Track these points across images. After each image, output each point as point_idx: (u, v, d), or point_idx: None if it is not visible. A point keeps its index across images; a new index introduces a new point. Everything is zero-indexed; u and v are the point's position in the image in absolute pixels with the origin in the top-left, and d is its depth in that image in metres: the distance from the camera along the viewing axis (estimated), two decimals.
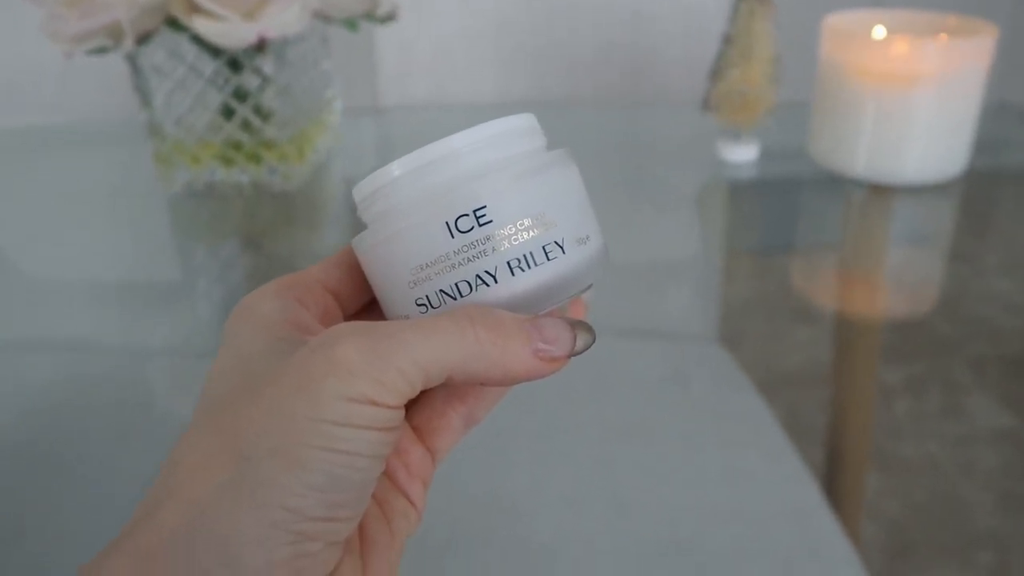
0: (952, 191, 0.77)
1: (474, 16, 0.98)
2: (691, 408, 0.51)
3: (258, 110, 0.71)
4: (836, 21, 0.77)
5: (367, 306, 0.28)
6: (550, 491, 0.44)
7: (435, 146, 0.24)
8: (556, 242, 0.24)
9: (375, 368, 0.21)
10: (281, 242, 0.72)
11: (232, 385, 0.23)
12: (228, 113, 0.71)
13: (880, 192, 0.76)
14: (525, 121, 0.26)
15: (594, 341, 0.25)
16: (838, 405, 0.53)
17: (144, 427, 0.49)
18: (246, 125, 0.72)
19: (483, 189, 0.24)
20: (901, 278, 0.69)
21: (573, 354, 0.24)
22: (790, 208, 0.79)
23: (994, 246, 0.72)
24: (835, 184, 0.78)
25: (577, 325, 0.24)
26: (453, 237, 0.24)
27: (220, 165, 0.74)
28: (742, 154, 0.81)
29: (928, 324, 0.60)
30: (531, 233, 0.24)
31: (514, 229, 0.24)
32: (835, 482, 0.46)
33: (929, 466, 0.47)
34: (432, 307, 0.24)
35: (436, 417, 0.27)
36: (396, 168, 0.24)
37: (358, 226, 0.26)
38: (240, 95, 0.71)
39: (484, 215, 0.23)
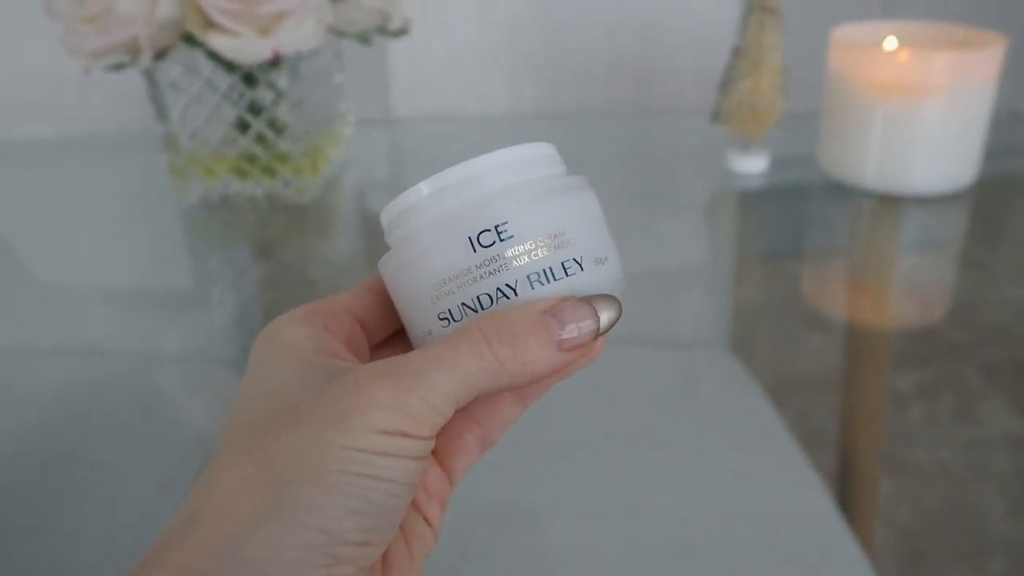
0: (962, 201, 0.77)
1: (485, 29, 0.99)
2: (702, 414, 0.51)
3: (272, 124, 0.72)
4: (845, 33, 0.78)
5: (393, 336, 0.29)
6: (564, 498, 0.44)
7: (459, 168, 0.25)
8: (575, 259, 0.25)
9: (406, 404, 0.22)
10: (294, 254, 0.73)
11: (264, 411, 0.23)
12: (243, 127, 0.72)
13: (890, 202, 0.76)
14: (546, 149, 0.27)
15: (620, 314, 0.25)
16: (849, 411, 0.53)
17: (157, 432, 0.50)
18: (261, 139, 0.73)
19: (505, 206, 0.24)
20: (912, 286, 0.69)
21: (601, 333, 0.24)
22: (800, 219, 0.79)
23: (1005, 254, 0.72)
24: (845, 194, 0.78)
25: (597, 300, 0.25)
26: (475, 251, 0.24)
27: (235, 178, 0.75)
28: (752, 165, 0.81)
29: (940, 330, 0.60)
30: (550, 250, 0.25)
31: (534, 245, 0.24)
32: (847, 488, 0.46)
33: (941, 472, 0.47)
34: (454, 320, 0.25)
35: (452, 440, 0.28)
36: (424, 188, 0.25)
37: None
38: (255, 109, 0.72)
39: (506, 231, 0.24)
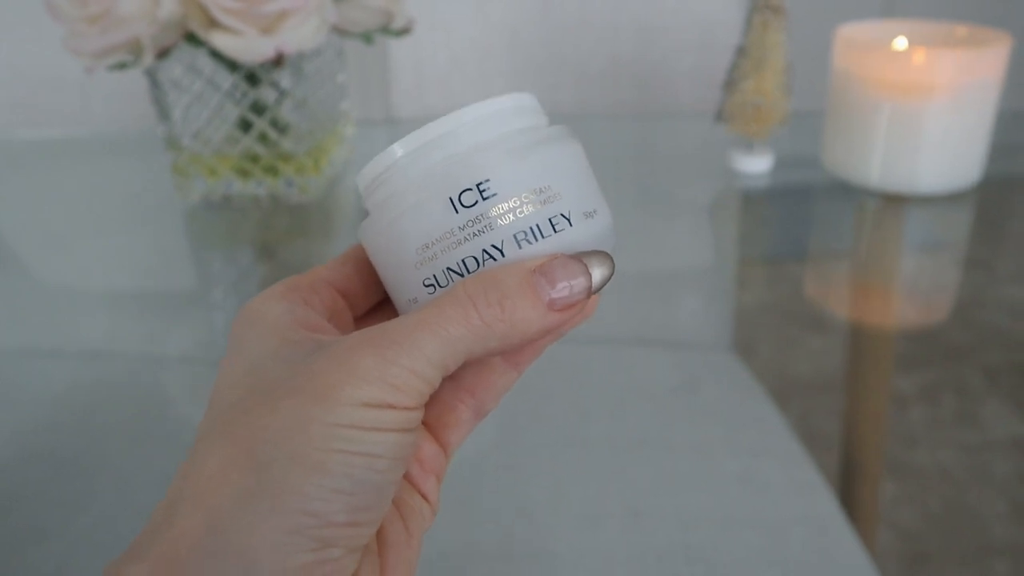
0: (967, 201, 0.77)
1: (486, 29, 0.99)
2: (705, 416, 0.51)
3: (275, 123, 0.72)
4: (849, 32, 0.77)
5: (377, 305, 0.28)
6: (566, 500, 0.44)
7: (435, 124, 0.24)
8: (563, 214, 0.24)
9: (390, 374, 0.21)
10: (297, 253, 0.73)
11: (243, 391, 0.23)
12: (245, 126, 0.72)
13: (894, 202, 0.76)
14: (525, 99, 0.26)
15: (613, 271, 0.24)
16: (852, 413, 0.53)
17: (161, 432, 0.50)
18: (263, 138, 0.73)
19: (485, 163, 0.23)
20: (915, 286, 0.69)
21: (593, 291, 0.23)
22: (803, 218, 0.79)
23: (1009, 254, 0.72)
24: (849, 194, 0.78)
25: (588, 257, 0.24)
26: (457, 212, 0.23)
27: (237, 177, 0.75)
28: (755, 165, 0.81)
29: (943, 332, 0.60)
30: (536, 206, 0.24)
31: (518, 202, 0.23)
32: (850, 490, 0.46)
33: (944, 474, 0.47)
34: (440, 286, 0.24)
35: (446, 412, 0.27)
36: (398, 149, 0.24)
37: None
38: (257, 108, 0.72)
39: (487, 189, 0.23)
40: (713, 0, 0.99)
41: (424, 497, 0.26)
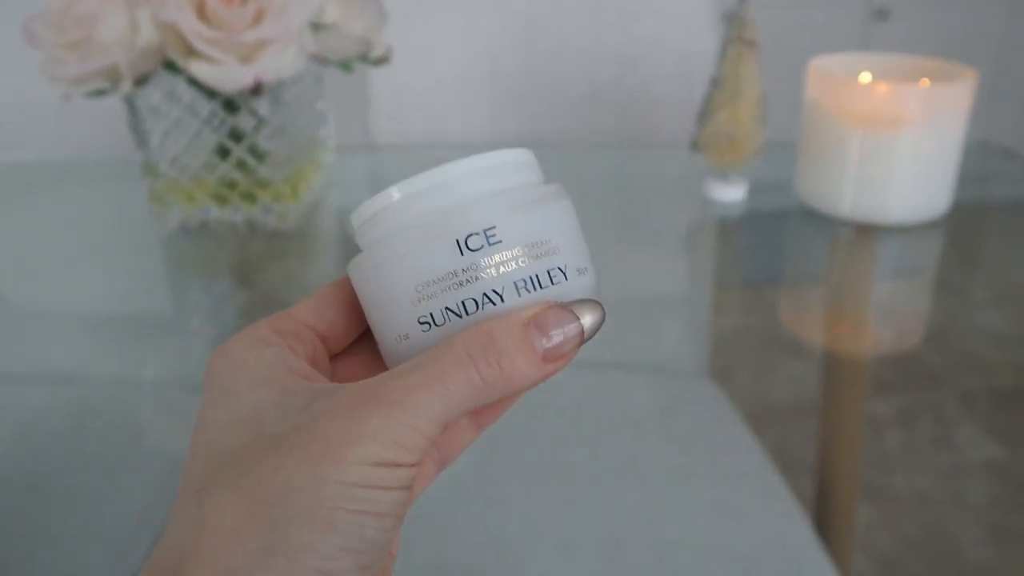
0: (937, 229, 0.78)
1: (467, 57, 1.00)
2: (682, 442, 0.51)
3: (253, 150, 0.72)
4: (821, 64, 0.79)
5: (353, 345, 0.29)
6: (543, 529, 0.44)
7: (440, 170, 0.25)
8: (560, 268, 0.25)
9: (395, 433, 0.22)
10: (274, 279, 0.72)
11: (245, 441, 0.23)
12: (223, 153, 0.72)
13: (866, 231, 0.77)
14: (526, 156, 0.27)
15: (604, 318, 0.25)
16: (828, 439, 0.54)
17: (136, 458, 0.49)
18: (241, 165, 0.73)
19: (494, 211, 0.24)
20: (889, 314, 0.70)
21: (585, 339, 0.24)
22: (778, 247, 0.80)
23: (980, 281, 0.73)
24: (822, 223, 0.79)
25: (578, 306, 0.25)
26: (462, 255, 0.24)
27: (214, 204, 0.74)
28: (730, 194, 0.82)
29: (917, 357, 0.61)
30: (536, 257, 0.25)
31: (521, 251, 0.24)
32: (826, 516, 0.46)
33: (919, 498, 0.47)
34: (435, 325, 0.25)
35: None
36: (397, 191, 0.25)
37: (351, 258, 0.27)
38: (235, 136, 0.72)
39: (494, 235, 0.24)
40: (691, 31, 1.00)
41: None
